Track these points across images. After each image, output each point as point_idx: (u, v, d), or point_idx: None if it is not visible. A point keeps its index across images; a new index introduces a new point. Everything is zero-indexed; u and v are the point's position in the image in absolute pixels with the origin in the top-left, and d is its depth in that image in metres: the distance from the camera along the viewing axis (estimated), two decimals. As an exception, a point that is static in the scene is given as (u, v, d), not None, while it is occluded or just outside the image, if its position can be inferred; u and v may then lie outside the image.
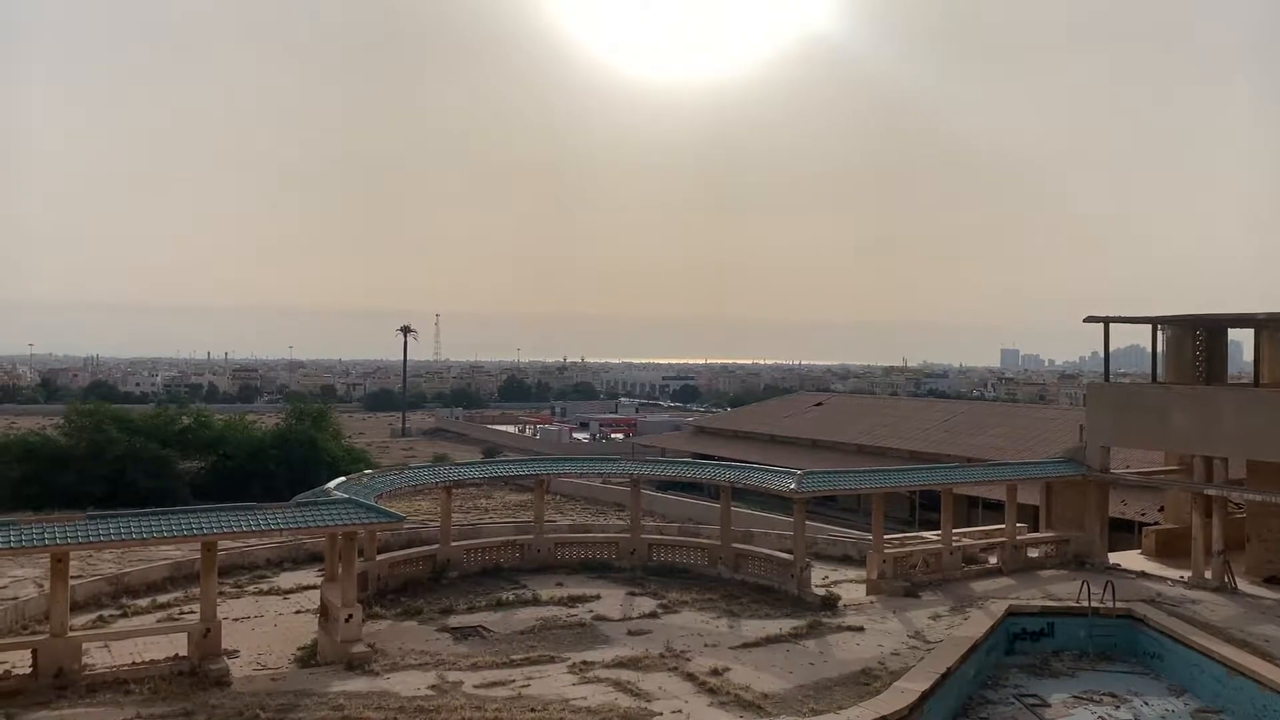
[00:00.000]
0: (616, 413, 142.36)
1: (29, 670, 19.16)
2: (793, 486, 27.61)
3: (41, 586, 26.82)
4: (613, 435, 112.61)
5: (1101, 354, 36.84)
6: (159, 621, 24.41)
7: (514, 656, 21.45)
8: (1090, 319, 33.73)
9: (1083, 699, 21.30)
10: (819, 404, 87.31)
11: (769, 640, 23.11)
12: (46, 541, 19.15)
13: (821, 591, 27.46)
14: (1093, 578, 27.58)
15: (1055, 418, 65.68)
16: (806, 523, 28.97)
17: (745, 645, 22.70)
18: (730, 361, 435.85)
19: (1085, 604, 25.09)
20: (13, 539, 19.03)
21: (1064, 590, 27.64)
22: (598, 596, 27.44)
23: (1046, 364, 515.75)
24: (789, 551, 29.09)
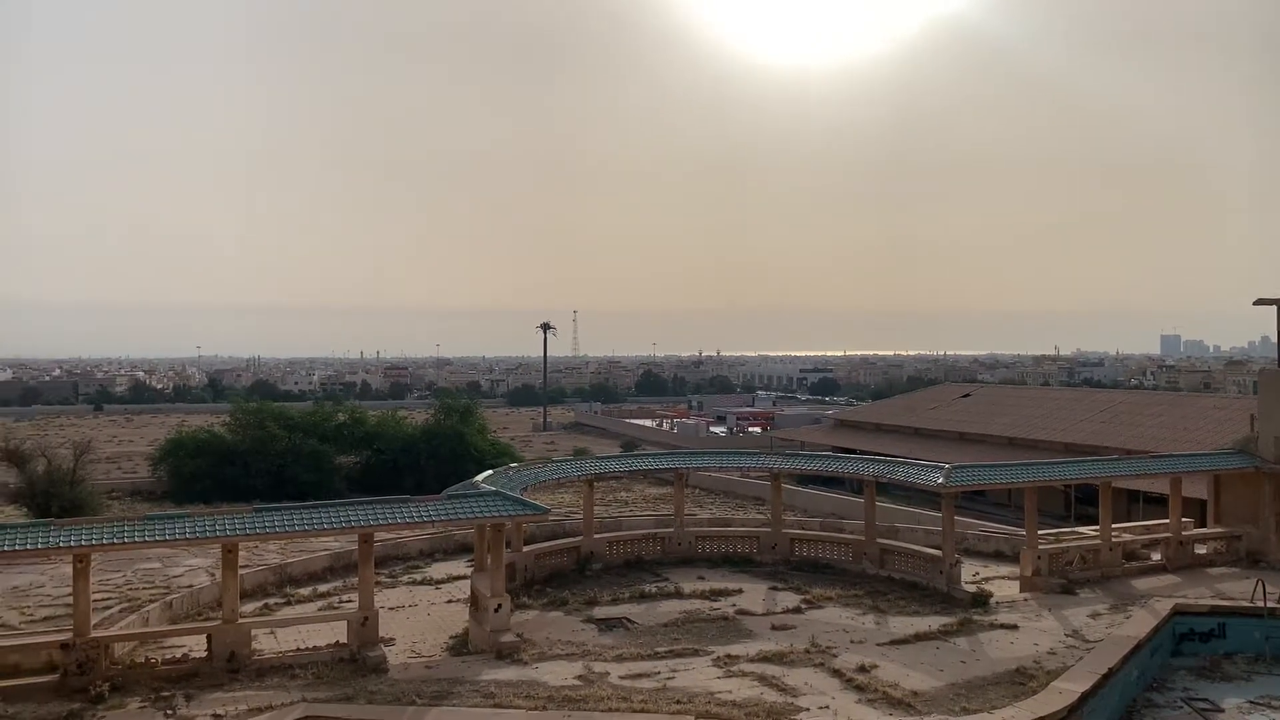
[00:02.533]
0: (753, 406, 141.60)
1: (204, 654, 20.37)
2: (940, 481, 26.86)
3: (213, 575, 28.51)
4: (750, 429, 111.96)
5: (1274, 338, 34.50)
6: (320, 610, 25.59)
7: (658, 649, 21.58)
8: (1261, 301, 31.69)
9: (1259, 704, 20.00)
10: (966, 395, 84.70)
11: (918, 637, 22.56)
12: (218, 533, 20.32)
13: (972, 588, 26.65)
14: (1268, 576, 25.88)
15: (1222, 407, 61.89)
16: (955, 518, 28.16)
17: (893, 642, 22.22)
18: (871, 353, 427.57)
19: (1261, 604, 23.56)
20: (189, 530, 20.27)
21: (1236, 589, 26.03)
22: (740, 590, 27.35)
23: (1211, 350, 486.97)
24: (937, 547, 28.33)
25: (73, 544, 19.51)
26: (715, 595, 26.82)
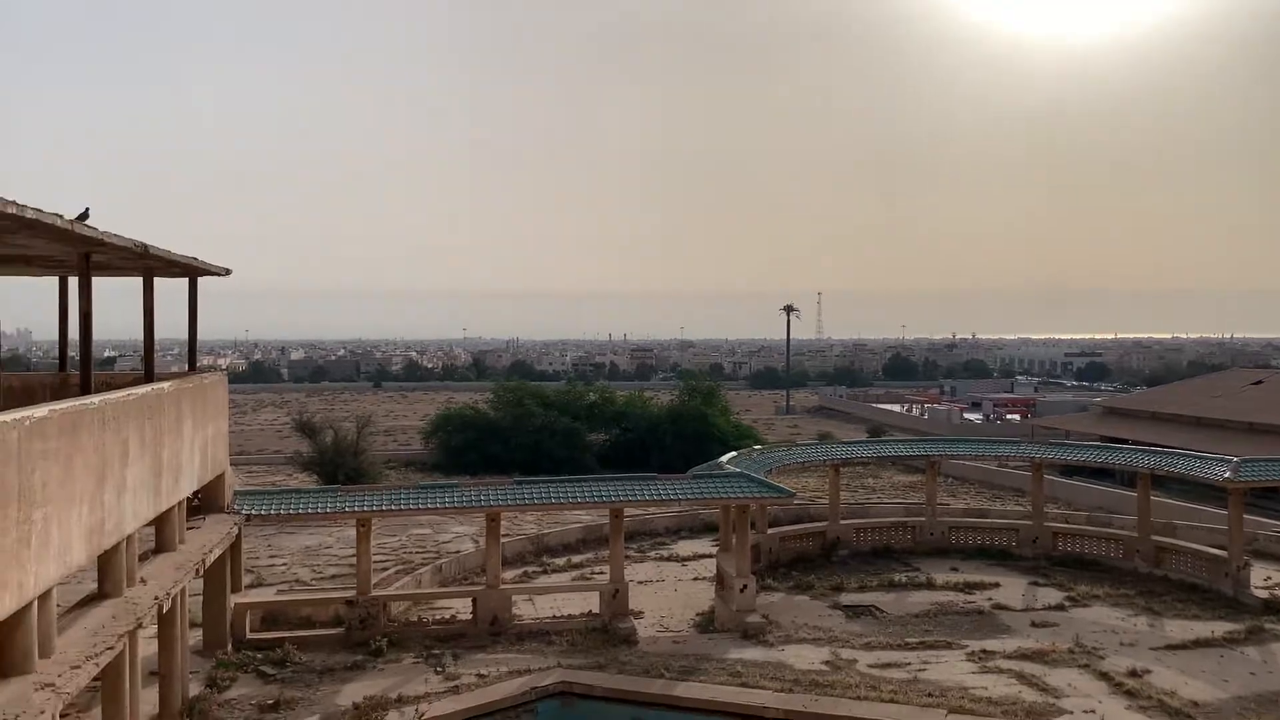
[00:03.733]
0: (1012, 392, 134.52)
1: (469, 616, 21.72)
2: (1227, 475, 24.50)
3: (477, 542, 30.32)
4: (1008, 416, 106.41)
5: None
6: (573, 580, 26.67)
7: (909, 639, 20.98)
8: None
9: None
10: (1257, 382, 76.69)
11: (1197, 643, 20.74)
12: (483, 503, 21.59)
13: (1264, 594, 24.18)
14: None
15: None
16: (1244, 516, 25.61)
17: (1169, 647, 20.54)
18: (1145, 336, 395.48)
19: None
20: (457, 499, 21.67)
21: None
22: (996, 584, 26.11)
23: None
24: (1221, 547, 25.89)
25: (357, 509, 21.34)
26: (970, 588, 25.75)
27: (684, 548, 31.35)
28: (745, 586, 22.05)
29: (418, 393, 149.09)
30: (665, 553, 30.69)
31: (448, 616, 22.44)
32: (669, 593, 25.65)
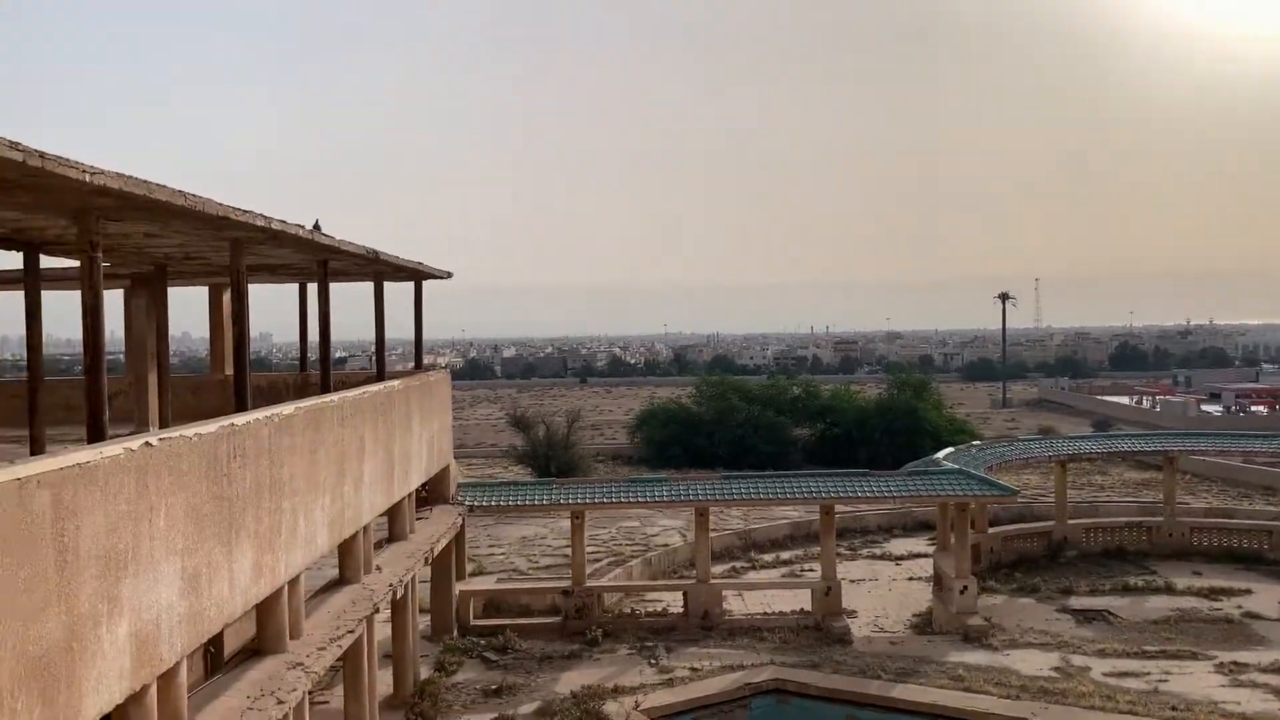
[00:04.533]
0: (1257, 381, 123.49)
1: (681, 610, 21.85)
2: None
3: (685, 536, 30.51)
4: (1253, 408, 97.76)
5: None
6: (783, 576, 26.39)
7: (1147, 647, 19.55)
8: None
9: None
10: None
11: None
12: (692, 497, 21.68)
13: None
14: None
15: None
16: None
17: None
18: None
19: None
20: (666, 493, 21.86)
21: None
22: (1247, 591, 23.97)
23: None
24: None
25: (571, 502, 21.88)
26: (1215, 594, 23.74)
27: (897, 546, 30.44)
28: (965, 588, 21.15)
29: (621, 388, 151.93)
30: (878, 551, 29.90)
31: (659, 609, 22.67)
32: (883, 592, 24.96)
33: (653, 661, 19.24)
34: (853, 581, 25.36)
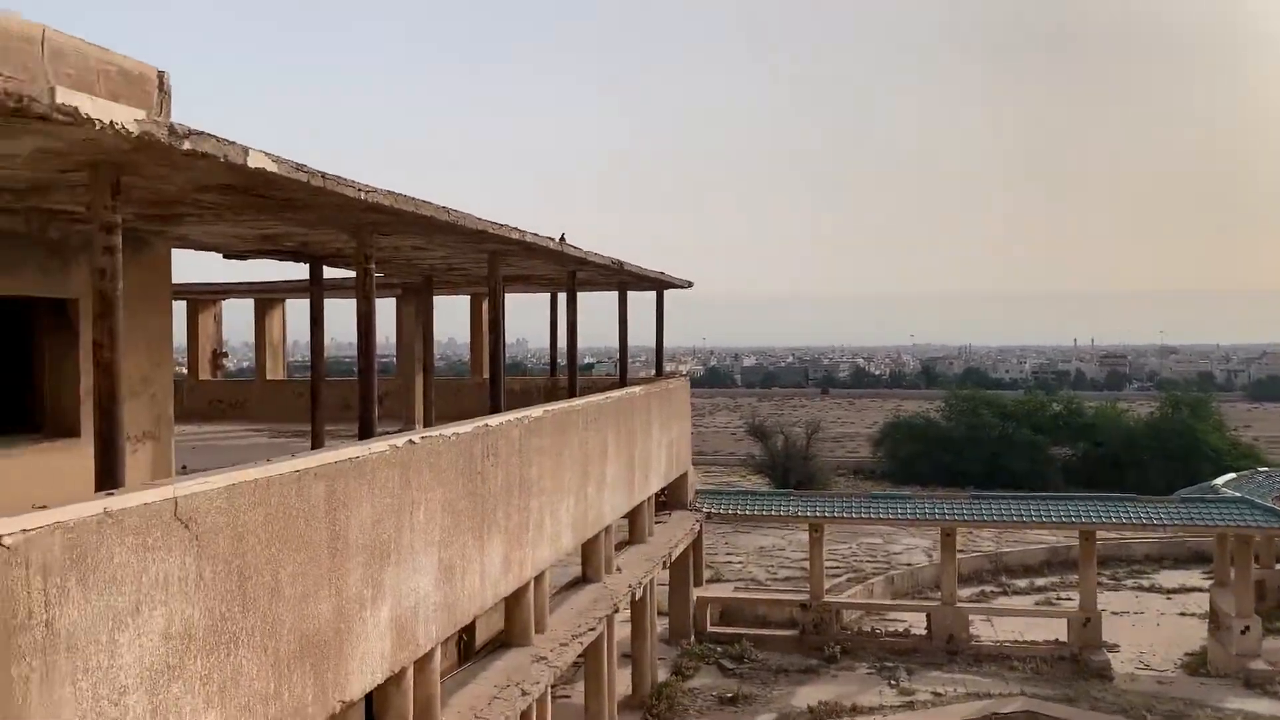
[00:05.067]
0: None
1: (924, 632, 21.06)
2: None
3: (930, 556, 29.41)
4: None
5: None
6: (1036, 604, 24.88)
7: None
8: None
9: None
10: None
11: None
12: (937, 516, 20.86)
13: None
14: None
15: None
16: None
17: None
18: None
19: None
20: (909, 511, 21.15)
21: None
22: None
23: None
24: None
25: (810, 514, 21.60)
26: None
27: (1167, 578, 28.00)
28: (1247, 628, 19.16)
29: (865, 399, 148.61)
30: (1144, 582, 27.62)
31: (900, 630, 21.96)
32: (1149, 627, 23.03)
33: (893, 683, 18.65)
34: (1115, 614, 23.54)
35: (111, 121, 4.84)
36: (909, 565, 28.53)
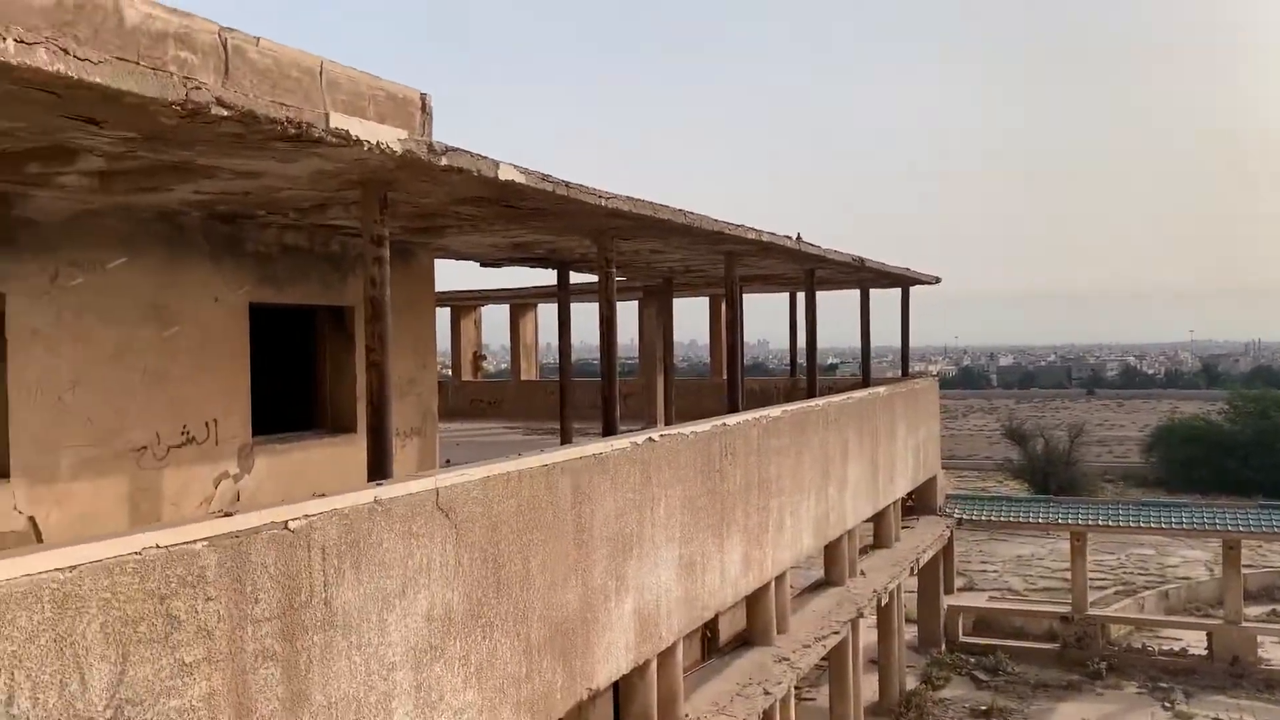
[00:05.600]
0: None
1: (1204, 652, 19.31)
2: None
3: (1211, 570, 26.91)
4: None
5: None
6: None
7: None
8: None
9: None
10: None
11: None
12: (1218, 526, 19.09)
13: None
14: None
15: None
16: None
17: None
18: None
19: None
20: (1184, 520, 19.45)
21: None
22: None
23: None
24: None
25: (1070, 522, 20.31)
26: None
27: None
28: None
29: (1136, 400, 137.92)
30: None
31: (1176, 649, 20.22)
32: None
33: (1167, 705, 17.22)
34: None
35: (378, 142, 5.27)
36: (1186, 580, 26.23)
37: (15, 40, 3.55)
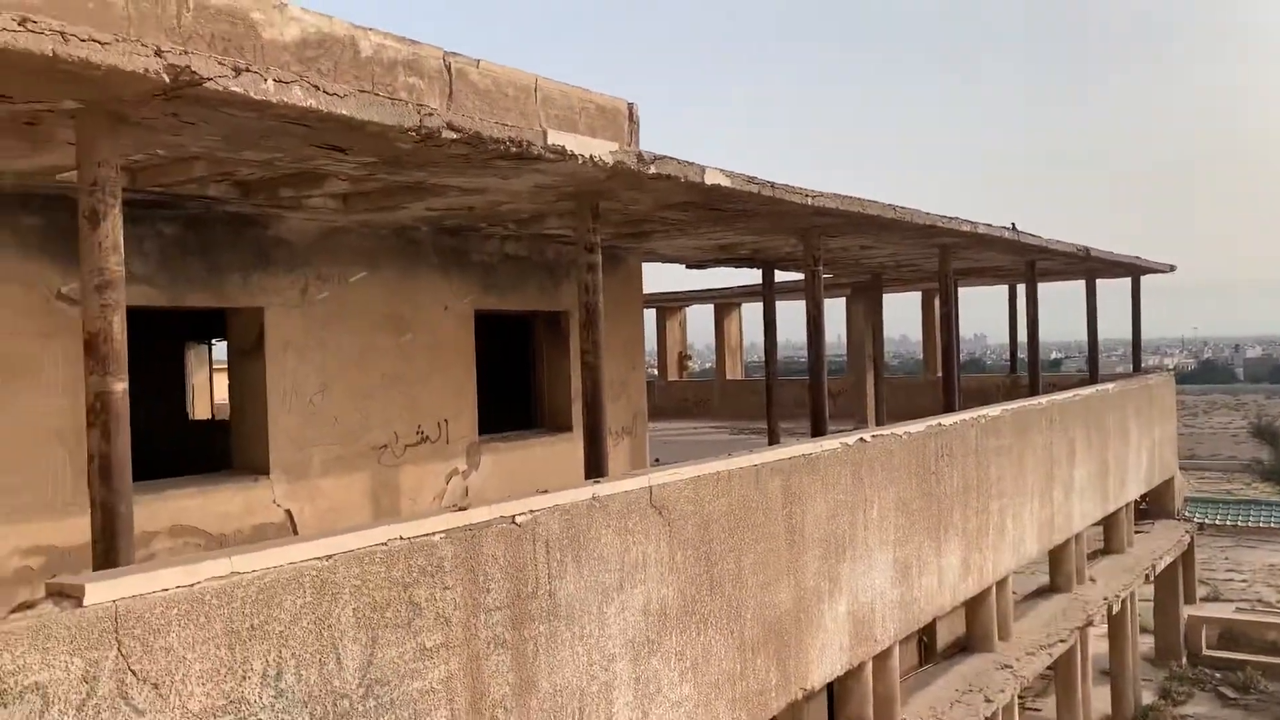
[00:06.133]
0: None
1: None
2: None
3: None
4: None
5: None
6: None
7: None
8: None
9: None
10: None
11: None
12: None
13: None
14: None
15: None
16: None
17: None
18: None
19: None
20: None
21: None
22: None
23: None
24: None
25: (1332, 528, 18.50)
26: None
27: None
28: None
29: None
30: None
31: None
32: None
33: None
34: None
35: (591, 155, 5.50)
36: None
37: (275, 80, 3.95)
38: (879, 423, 16.71)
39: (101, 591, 3.19)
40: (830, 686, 8.02)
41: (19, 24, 3.20)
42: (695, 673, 5.96)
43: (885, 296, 18.24)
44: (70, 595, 3.14)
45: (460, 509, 4.58)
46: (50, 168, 5.37)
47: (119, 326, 3.95)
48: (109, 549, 3.98)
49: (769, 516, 6.75)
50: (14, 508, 6.05)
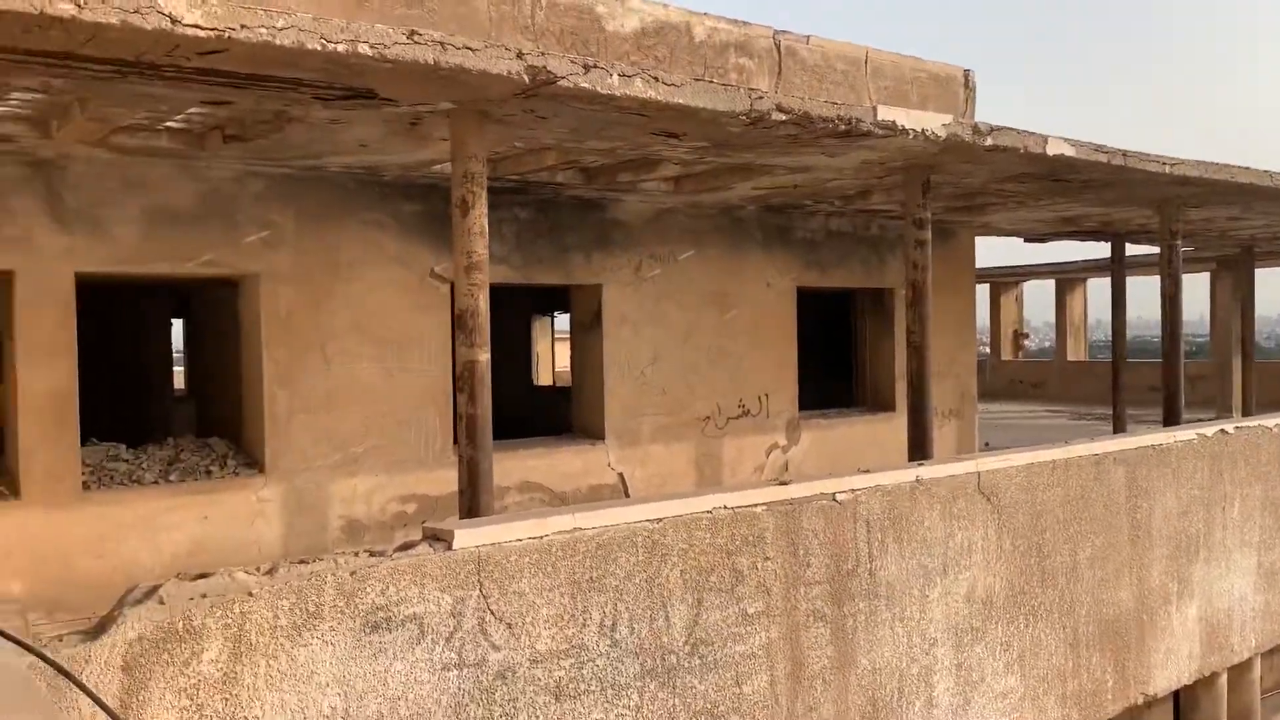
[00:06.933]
0: None
1: None
2: None
3: None
4: None
5: None
6: None
7: None
8: None
9: None
10: None
11: None
12: None
13: None
14: None
15: None
16: None
17: None
18: None
19: None
20: None
21: None
22: None
23: None
24: None
25: None
26: None
27: None
28: None
29: None
30: None
31: None
32: None
33: None
34: None
35: (922, 130, 5.39)
36: None
37: (619, 75, 4.23)
38: (1247, 412, 15.00)
39: (468, 537, 3.61)
40: (1176, 695, 7.40)
41: (408, 37, 3.66)
42: (1022, 665, 5.73)
43: (1259, 272, 16.26)
44: (442, 539, 3.59)
45: (781, 483, 4.70)
46: (427, 161, 6.05)
47: (484, 303, 4.42)
48: (473, 500, 4.48)
49: (1110, 509, 6.32)
50: (395, 460, 6.93)
